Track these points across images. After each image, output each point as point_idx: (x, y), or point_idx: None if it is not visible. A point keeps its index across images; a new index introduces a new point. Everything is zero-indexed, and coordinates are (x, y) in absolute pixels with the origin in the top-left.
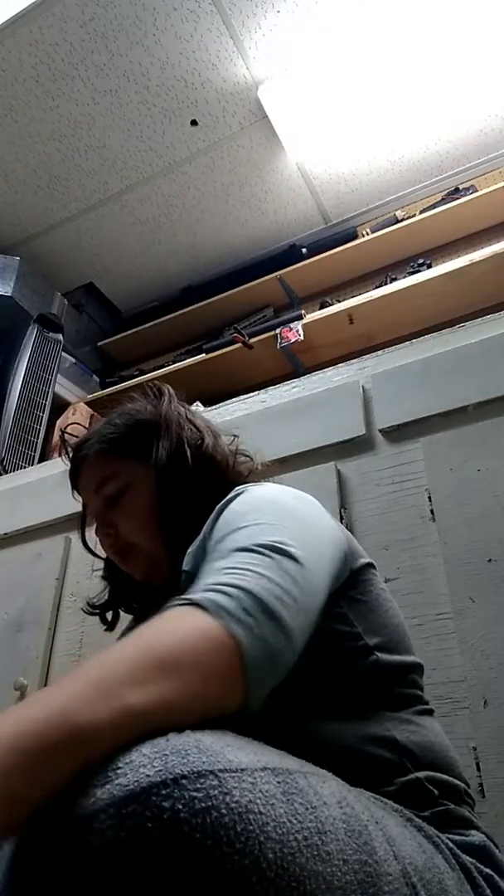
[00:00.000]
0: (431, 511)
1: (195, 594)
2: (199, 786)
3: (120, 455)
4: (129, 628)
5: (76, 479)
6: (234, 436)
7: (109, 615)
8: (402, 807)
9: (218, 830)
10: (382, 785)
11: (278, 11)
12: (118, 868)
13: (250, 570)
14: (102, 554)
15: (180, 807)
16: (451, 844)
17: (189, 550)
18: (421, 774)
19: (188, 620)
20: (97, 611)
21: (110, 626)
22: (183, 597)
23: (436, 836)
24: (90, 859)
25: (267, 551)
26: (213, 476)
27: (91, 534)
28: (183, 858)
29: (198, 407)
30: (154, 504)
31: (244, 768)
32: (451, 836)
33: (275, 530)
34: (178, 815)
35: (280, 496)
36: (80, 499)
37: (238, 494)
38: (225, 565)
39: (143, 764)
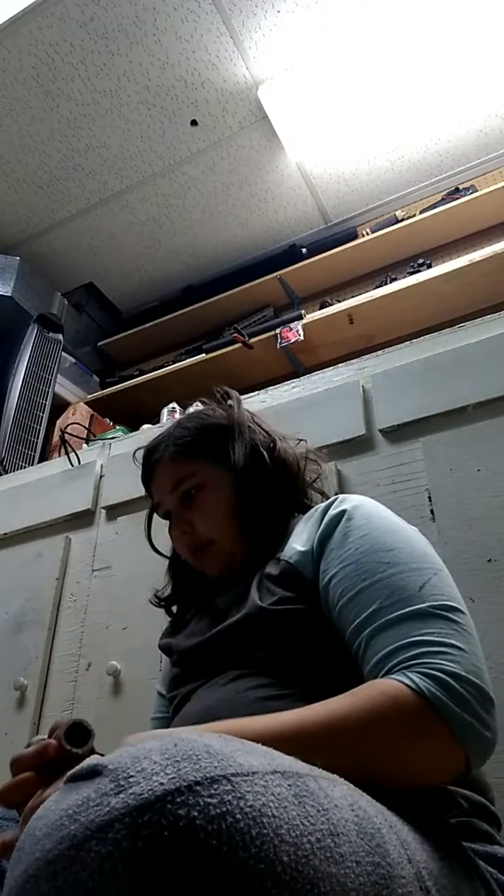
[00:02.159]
0: (431, 511)
1: (412, 675)
2: (212, 791)
3: (194, 457)
4: (199, 616)
5: (150, 481)
6: (300, 440)
7: (175, 608)
8: (428, 810)
9: (234, 836)
10: (411, 791)
11: (278, 11)
12: (135, 877)
13: (453, 649)
14: (167, 552)
15: (196, 814)
16: (471, 854)
17: (298, 549)
18: (453, 788)
19: (422, 729)
20: (163, 603)
21: (175, 618)
22: (406, 678)
23: (456, 843)
24: (105, 869)
25: (448, 613)
26: (287, 477)
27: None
28: (199, 865)
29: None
30: (230, 502)
31: (255, 771)
32: (472, 845)
33: (437, 579)
34: (194, 822)
35: (396, 522)
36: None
37: (351, 507)
38: (421, 637)
39: (156, 772)
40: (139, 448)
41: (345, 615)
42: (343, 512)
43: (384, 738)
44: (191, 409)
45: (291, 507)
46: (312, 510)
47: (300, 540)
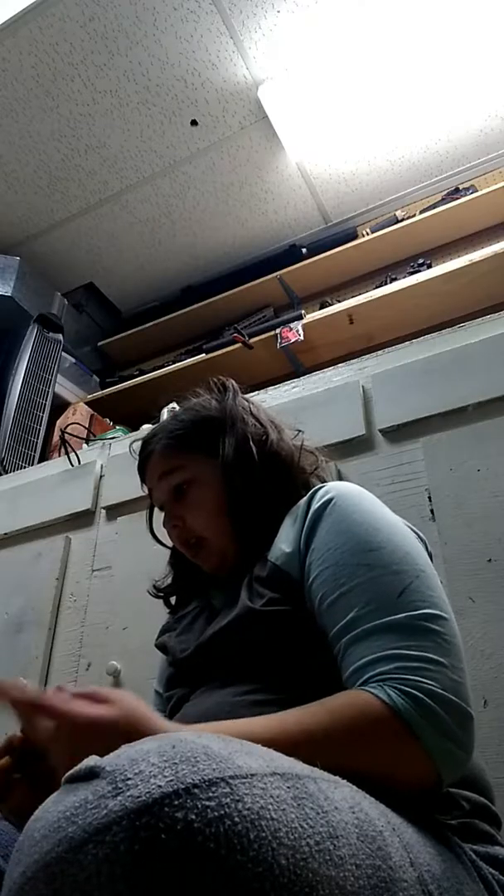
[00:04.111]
0: (431, 511)
1: (389, 689)
2: (210, 794)
3: (186, 450)
4: (195, 614)
5: (143, 472)
6: (298, 430)
7: (173, 600)
8: (430, 811)
9: (231, 839)
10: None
11: (278, 11)
12: (132, 881)
13: (431, 664)
14: (169, 543)
15: (193, 817)
16: (473, 856)
17: (284, 549)
18: (454, 790)
19: (395, 746)
20: (161, 594)
21: (173, 610)
22: (382, 692)
23: (458, 844)
24: (103, 871)
25: (427, 623)
26: (279, 471)
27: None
28: (197, 869)
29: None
30: (221, 498)
31: (254, 773)
32: (474, 847)
33: (418, 582)
34: (192, 825)
35: (379, 516)
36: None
37: (333, 499)
38: (398, 650)
39: (154, 774)
40: (136, 440)
41: (326, 620)
42: (325, 504)
43: (355, 753)
44: (192, 402)
45: (289, 501)
46: (297, 504)
47: (287, 539)
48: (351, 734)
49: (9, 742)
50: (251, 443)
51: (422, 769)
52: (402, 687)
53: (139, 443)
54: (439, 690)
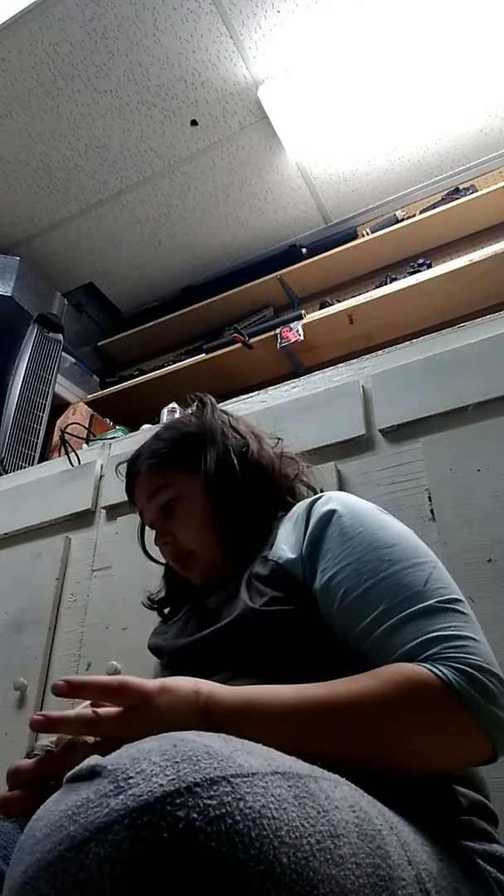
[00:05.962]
0: (431, 511)
1: (440, 666)
2: (212, 793)
3: (170, 468)
4: (187, 618)
5: (131, 494)
6: (278, 439)
7: (167, 610)
8: (428, 810)
9: (233, 837)
10: (413, 790)
11: (278, 11)
12: (133, 879)
13: (471, 641)
14: (162, 560)
15: (195, 815)
16: (470, 854)
17: (287, 552)
18: (452, 787)
19: (455, 722)
20: (156, 605)
21: (166, 619)
22: (434, 667)
23: (456, 842)
24: (105, 870)
25: (455, 606)
26: (262, 480)
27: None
28: (199, 867)
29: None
30: (207, 511)
31: (255, 772)
32: (472, 844)
33: (437, 572)
34: (194, 823)
35: (385, 518)
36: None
37: (337, 507)
38: (438, 632)
39: (155, 773)
40: (121, 462)
41: (350, 616)
42: (332, 511)
43: (407, 722)
44: (166, 418)
45: (274, 508)
46: (294, 509)
47: (288, 543)
48: (404, 702)
49: (36, 771)
50: (232, 455)
51: (476, 740)
52: (452, 664)
53: (125, 464)
54: (486, 664)
